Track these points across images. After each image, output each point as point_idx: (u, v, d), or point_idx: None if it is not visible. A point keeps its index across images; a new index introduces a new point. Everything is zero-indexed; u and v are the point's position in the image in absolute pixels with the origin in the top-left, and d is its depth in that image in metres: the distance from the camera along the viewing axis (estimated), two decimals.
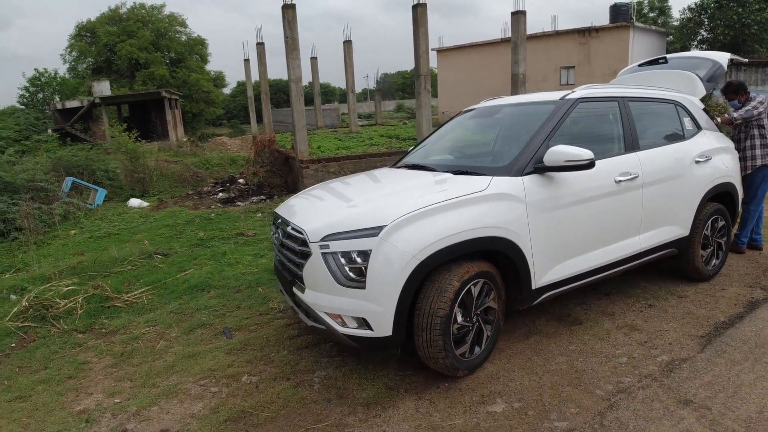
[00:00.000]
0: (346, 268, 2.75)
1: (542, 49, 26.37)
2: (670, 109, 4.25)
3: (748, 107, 4.74)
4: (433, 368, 2.97)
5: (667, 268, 4.52)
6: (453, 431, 2.57)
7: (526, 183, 3.13)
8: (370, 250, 2.69)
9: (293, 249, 3.05)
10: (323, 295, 2.84)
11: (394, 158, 10.30)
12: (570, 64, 26.37)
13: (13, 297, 4.86)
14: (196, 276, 5.17)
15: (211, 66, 45.72)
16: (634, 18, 25.77)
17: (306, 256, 2.88)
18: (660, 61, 5.05)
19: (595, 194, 3.40)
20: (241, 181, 13.19)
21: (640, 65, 5.29)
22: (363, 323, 2.76)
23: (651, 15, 33.51)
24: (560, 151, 3.06)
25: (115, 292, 4.75)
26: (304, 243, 2.89)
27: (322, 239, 2.80)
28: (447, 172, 3.43)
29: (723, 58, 4.82)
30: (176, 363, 3.45)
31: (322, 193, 3.70)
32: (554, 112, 3.47)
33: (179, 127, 29.20)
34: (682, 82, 4.65)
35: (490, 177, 3.11)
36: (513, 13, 12.18)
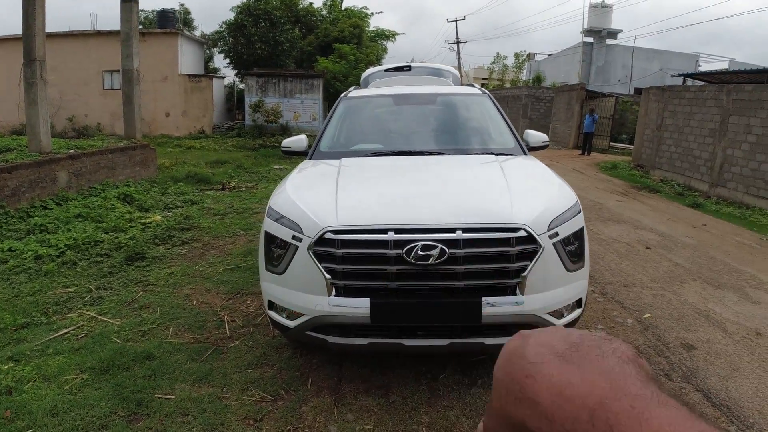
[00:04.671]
0: (569, 250, 2.56)
1: (82, 50, 23.58)
2: None
3: None
4: None
5: None
6: None
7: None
8: (583, 227, 2.68)
9: (491, 256, 2.39)
10: (550, 293, 2.49)
11: (34, 171, 7.59)
12: (115, 68, 24.40)
13: None
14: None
15: None
16: (181, 25, 26.59)
17: (529, 255, 2.41)
18: (405, 68, 5.80)
19: None
20: None
21: (386, 71, 5.95)
22: (577, 304, 2.64)
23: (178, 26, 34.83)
24: (536, 134, 3.63)
25: None
26: (523, 240, 2.39)
27: (549, 227, 2.48)
28: (472, 154, 3.47)
29: (454, 69, 6.23)
30: None
31: (369, 189, 2.98)
32: (494, 102, 4.00)
33: None
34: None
35: (528, 156, 3.43)
36: (123, 1, 10.80)
